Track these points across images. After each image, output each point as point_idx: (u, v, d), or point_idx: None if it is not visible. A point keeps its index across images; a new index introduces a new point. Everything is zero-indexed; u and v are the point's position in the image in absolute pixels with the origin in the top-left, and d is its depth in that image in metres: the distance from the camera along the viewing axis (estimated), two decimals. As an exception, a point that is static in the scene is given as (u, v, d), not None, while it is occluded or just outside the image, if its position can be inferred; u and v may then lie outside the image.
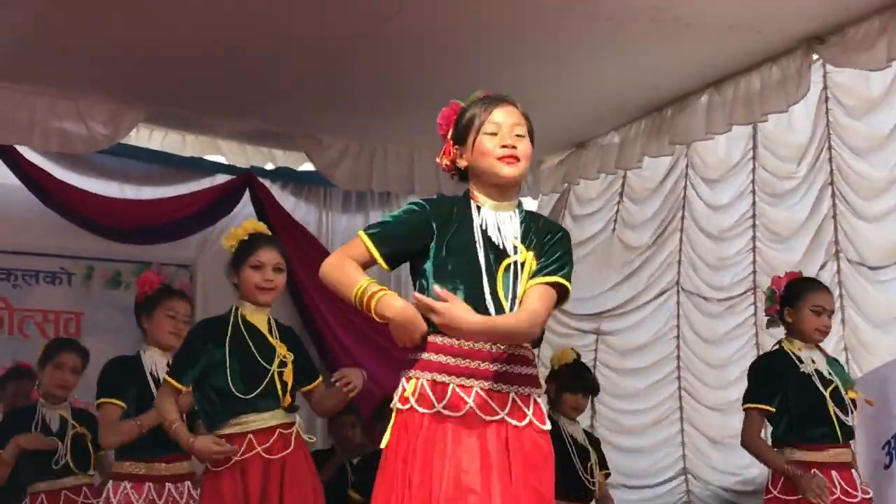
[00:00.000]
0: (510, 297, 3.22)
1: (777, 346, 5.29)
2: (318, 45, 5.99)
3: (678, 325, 7.76)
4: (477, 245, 3.24)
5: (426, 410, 3.15)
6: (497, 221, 3.29)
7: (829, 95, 6.65)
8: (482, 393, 3.15)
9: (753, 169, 7.23)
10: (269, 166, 8.14)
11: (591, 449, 6.11)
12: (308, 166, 7.88)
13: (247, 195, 7.99)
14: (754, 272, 7.24)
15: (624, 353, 8.01)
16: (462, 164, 3.34)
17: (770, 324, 5.42)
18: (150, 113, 6.89)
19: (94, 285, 7.77)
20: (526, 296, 3.24)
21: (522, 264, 3.24)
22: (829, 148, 6.71)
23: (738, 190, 7.32)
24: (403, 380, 3.24)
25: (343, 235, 8.35)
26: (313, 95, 6.64)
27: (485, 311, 3.16)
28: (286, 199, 8.24)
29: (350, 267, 3.23)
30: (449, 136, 3.37)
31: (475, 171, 3.32)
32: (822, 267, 6.73)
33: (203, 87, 6.48)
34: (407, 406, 3.19)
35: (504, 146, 3.24)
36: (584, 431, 6.32)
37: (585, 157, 7.76)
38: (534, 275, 3.25)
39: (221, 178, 7.98)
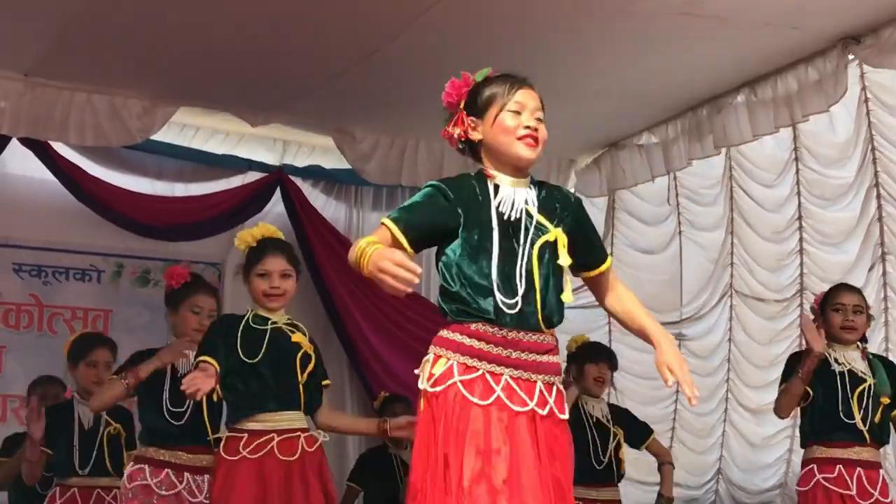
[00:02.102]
0: (544, 274, 3.25)
1: None
2: (352, 40, 6.15)
3: (731, 328, 7.89)
4: (498, 224, 3.27)
5: (456, 392, 3.19)
6: (516, 198, 3.31)
7: (868, 96, 6.73)
8: (511, 381, 3.21)
9: (797, 171, 7.32)
10: (301, 163, 8.25)
11: (613, 427, 6.20)
12: (339, 164, 7.99)
13: (278, 193, 8.08)
14: (802, 274, 7.33)
15: (700, 357, 8.12)
16: (476, 136, 3.36)
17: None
18: (183, 108, 7.06)
19: (124, 283, 7.89)
20: (618, 289, 3.47)
21: (554, 242, 3.27)
22: (873, 149, 6.80)
23: (785, 191, 7.43)
24: (431, 357, 3.29)
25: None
26: (346, 90, 6.80)
27: (515, 290, 3.21)
28: (317, 197, 8.33)
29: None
30: (462, 108, 3.39)
31: (491, 147, 3.35)
32: (870, 269, 6.86)
33: (235, 82, 6.66)
34: (438, 388, 3.22)
35: (527, 126, 3.29)
36: (610, 405, 6.44)
37: (628, 160, 7.85)
38: (587, 257, 3.39)
39: (253, 176, 8.08)
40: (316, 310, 8.02)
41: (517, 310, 3.22)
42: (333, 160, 8.19)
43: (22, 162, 7.41)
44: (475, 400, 3.17)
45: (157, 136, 7.43)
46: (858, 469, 5.10)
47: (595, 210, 8.39)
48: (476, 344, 3.22)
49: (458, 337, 3.25)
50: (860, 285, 6.11)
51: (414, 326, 8.04)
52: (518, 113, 3.31)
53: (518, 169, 3.36)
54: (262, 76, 6.58)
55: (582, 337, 6.57)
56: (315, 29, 5.99)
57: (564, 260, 3.27)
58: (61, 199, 7.48)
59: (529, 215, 3.30)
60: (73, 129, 6.64)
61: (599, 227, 8.34)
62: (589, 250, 3.43)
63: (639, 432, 6.42)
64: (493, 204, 3.29)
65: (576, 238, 3.36)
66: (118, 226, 7.59)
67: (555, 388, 3.30)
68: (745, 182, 7.65)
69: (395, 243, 3.21)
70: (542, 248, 3.28)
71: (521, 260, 3.25)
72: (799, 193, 7.31)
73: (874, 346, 6.01)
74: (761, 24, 5.97)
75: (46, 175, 7.41)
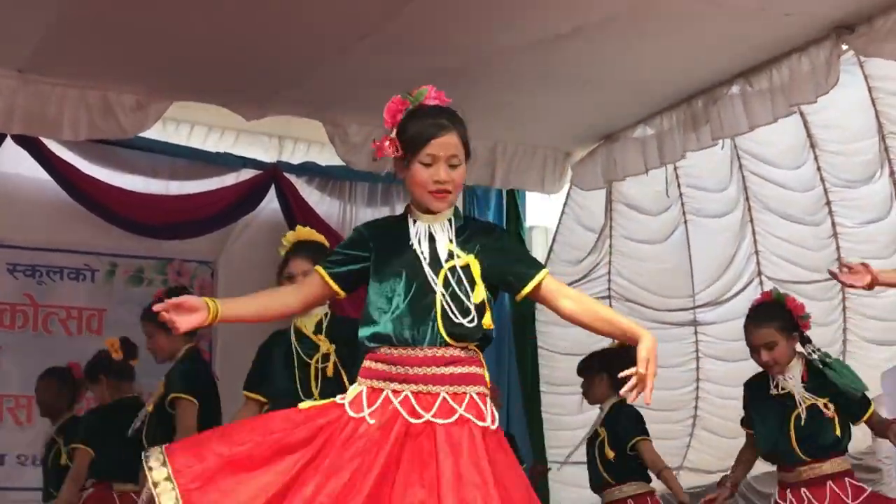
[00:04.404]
0: (451, 295, 3.37)
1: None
2: (344, 27, 6.27)
3: None
4: (413, 255, 3.41)
5: (355, 415, 3.31)
6: (431, 231, 3.45)
7: (871, 85, 6.94)
8: (411, 396, 3.31)
9: (816, 156, 7.52)
10: (295, 160, 8.42)
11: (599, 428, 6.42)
12: (333, 160, 8.12)
13: (272, 190, 8.23)
14: (839, 258, 7.51)
15: (724, 342, 8.27)
16: (399, 172, 3.54)
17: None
18: (176, 102, 7.20)
19: (117, 282, 8.04)
20: (570, 293, 3.52)
21: (464, 268, 3.40)
22: (883, 137, 7.02)
23: (806, 174, 7.62)
24: (354, 385, 3.44)
25: (366, 228, 8.60)
26: (338, 80, 6.92)
27: (426, 317, 3.34)
28: (311, 194, 8.47)
29: (266, 293, 3.60)
30: (395, 133, 3.49)
31: (411, 193, 3.51)
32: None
33: (228, 75, 6.78)
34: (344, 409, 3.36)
35: (437, 181, 3.40)
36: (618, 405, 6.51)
37: (624, 152, 7.98)
38: (516, 275, 3.47)
39: (247, 173, 8.23)
40: (311, 307, 8.16)
41: (417, 329, 3.34)
42: (328, 157, 8.33)
43: (16, 161, 7.56)
44: (373, 420, 3.30)
45: (152, 134, 7.59)
46: (804, 490, 5.19)
47: (592, 202, 8.56)
48: (380, 367, 3.36)
49: (367, 363, 3.41)
50: None
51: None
52: (430, 165, 3.41)
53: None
54: (254, 68, 6.72)
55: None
56: (305, 22, 6.14)
57: (478, 293, 3.38)
58: (55, 198, 7.64)
59: (439, 244, 3.44)
60: (67, 124, 6.78)
61: (598, 219, 8.54)
62: (515, 269, 3.51)
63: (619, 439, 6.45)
64: (409, 236, 3.46)
65: (495, 261, 3.47)
66: (112, 224, 7.72)
67: (468, 396, 3.36)
68: (758, 167, 7.84)
69: (324, 283, 3.50)
70: (450, 271, 3.40)
71: (426, 284, 3.37)
72: (822, 179, 7.52)
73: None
74: (758, 8, 6.10)
75: (40, 174, 7.55)
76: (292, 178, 8.33)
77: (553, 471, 8.17)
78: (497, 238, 3.56)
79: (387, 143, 3.47)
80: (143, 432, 5.61)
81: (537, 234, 9.43)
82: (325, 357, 4.98)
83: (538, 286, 3.48)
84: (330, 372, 4.96)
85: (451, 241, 3.44)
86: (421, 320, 3.34)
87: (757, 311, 5.56)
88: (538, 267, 3.52)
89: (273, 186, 8.20)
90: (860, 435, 7.67)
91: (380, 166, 7.73)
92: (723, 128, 7.11)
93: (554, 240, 8.86)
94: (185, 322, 3.30)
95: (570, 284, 8.45)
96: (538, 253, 9.06)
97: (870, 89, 6.98)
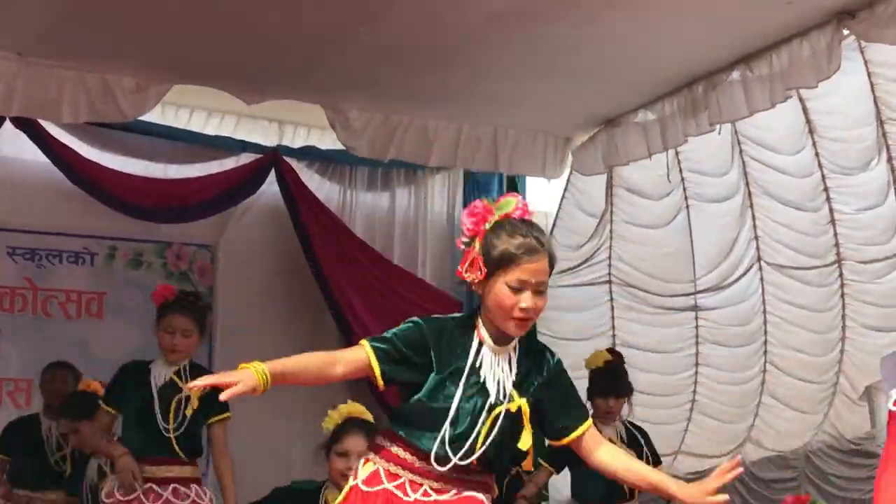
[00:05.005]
0: (497, 439, 3.36)
1: None
2: (345, 15, 6.29)
3: (764, 297, 8.11)
4: (465, 382, 3.35)
5: (369, 489, 3.37)
6: (493, 365, 3.37)
7: (870, 71, 6.97)
8: (430, 490, 3.36)
9: (814, 142, 7.56)
10: (296, 145, 8.44)
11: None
12: (333, 144, 8.15)
13: (272, 174, 8.23)
14: (837, 244, 7.56)
15: (724, 327, 8.33)
16: (478, 289, 3.41)
17: None
18: (177, 85, 7.22)
19: (117, 265, 8.05)
20: (599, 444, 3.51)
21: (516, 412, 3.36)
22: (882, 124, 7.04)
23: (804, 160, 7.68)
24: (361, 460, 3.47)
25: (366, 214, 8.67)
26: (339, 66, 6.95)
27: (469, 451, 3.33)
28: (311, 178, 8.47)
29: (316, 356, 3.40)
30: (478, 248, 3.38)
31: (486, 305, 3.39)
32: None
33: (228, 58, 6.83)
34: (358, 484, 3.42)
35: (523, 309, 3.30)
36: (628, 425, 6.58)
37: (625, 136, 8.00)
38: (562, 421, 3.47)
39: (247, 157, 8.24)
40: (311, 291, 8.20)
41: (455, 454, 3.34)
42: (328, 141, 8.37)
43: (15, 144, 7.56)
44: (395, 491, 3.37)
45: (152, 118, 7.62)
46: None
47: (593, 187, 8.59)
48: (408, 459, 3.38)
49: (396, 450, 3.40)
50: None
51: (408, 305, 8.23)
52: (518, 290, 3.30)
53: (505, 334, 3.41)
54: (255, 52, 6.75)
55: (598, 356, 6.62)
56: (305, 6, 6.17)
57: (525, 440, 3.37)
58: (55, 182, 7.64)
59: (500, 383, 3.38)
60: (67, 107, 6.81)
61: (599, 204, 8.57)
62: (563, 415, 3.49)
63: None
64: (470, 360, 3.38)
65: (546, 404, 3.46)
66: (111, 208, 7.71)
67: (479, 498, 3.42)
68: (758, 152, 7.88)
69: (369, 369, 3.36)
70: (500, 415, 3.36)
71: (475, 421, 3.35)
72: (821, 165, 7.55)
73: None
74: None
75: (40, 158, 7.56)
76: (292, 162, 8.33)
77: None
78: (552, 377, 3.47)
79: (470, 261, 3.36)
80: None
81: (537, 218, 9.34)
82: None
83: (584, 433, 3.49)
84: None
85: (510, 379, 3.38)
86: (463, 452, 3.33)
87: None
88: (583, 417, 3.50)
89: (273, 170, 8.20)
90: (859, 420, 7.77)
91: (380, 152, 7.78)
92: (722, 113, 7.13)
93: (554, 225, 8.89)
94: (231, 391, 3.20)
95: (570, 270, 8.65)
96: (538, 238, 9.10)
97: (869, 75, 7.02)
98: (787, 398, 8.08)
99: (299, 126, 8.50)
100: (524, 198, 3.40)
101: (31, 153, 7.59)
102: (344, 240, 8.29)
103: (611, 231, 8.68)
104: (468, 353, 3.37)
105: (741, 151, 7.98)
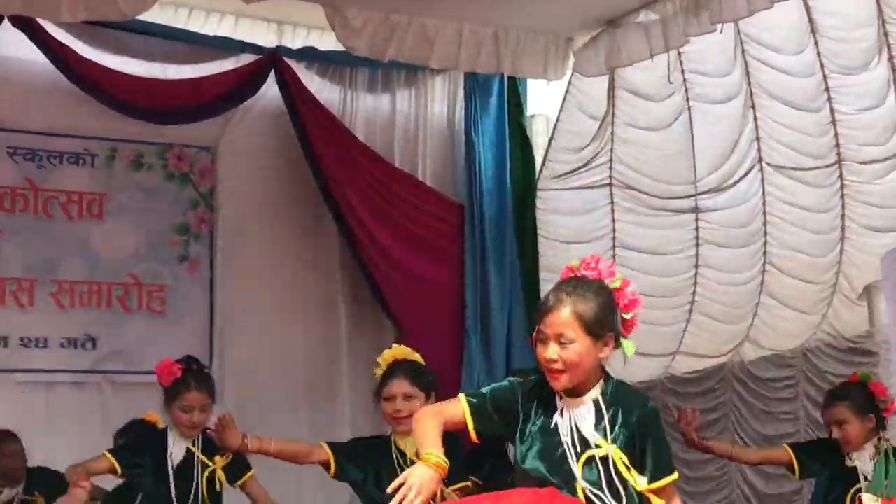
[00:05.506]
0: (599, 488, 3.45)
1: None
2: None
3: (764, 198, 8.17)
4: (555, 437, 3.50)
5: None
6: (573, 416, 3.51)
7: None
8: None
9: (816, 42, 7.54)
10: (296, 46, 8.40)
11: None
12: (334, 46, 8.11)
13: (272, 76, 8.19)
14: (838, 144, 7.58)
15: (724, 228, 8.40)
16: None
17: None
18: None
19: (117, 167, 8.05)
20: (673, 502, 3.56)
21: (605, 458, 3.47)
22: (883, 23, 7.03)
23: (806, 60, 7.68)
24: None
25: (367, 116, 8.64)
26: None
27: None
28: (311, 80, 8.43)
29: (434, 426, 3.53)
30: None
31: None
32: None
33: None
34: None
35: (545, 359, 3.49)
36: None
37: (626, 37, 7.93)
38: (654, 471, 3.50)
39: (247, 59, 8.19)
40: (311, 193, 8.23)
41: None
42: (328, 42, 8.31)
43: (15, 44, 7.53)
44: None
45: (151, 18, 7.57)
46: None
47: (595, 89, 8.58)
48: None
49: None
50: None
51: (409, 207, 8.29)
52: (545, 343, 3.50)
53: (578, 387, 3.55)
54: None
55: None
56: None
57: (639, 481, 3.47)
58: (55, 82, 7.62)
59: (581, 433, 3.50)
60: (65, 6, 6.71)
61: (600, 106, 8.55)
62: (646, 464, 3.53)
63: None
64: (553, 414, 3.54)
65: (634, 452, 3.52)
66: (111, 108, 7.70)
67: None
68: (760, 52, 7.86)
69: (463, 424, 3.56)
70: (587, 461, 3.48)
71: (564, 474, 3.47)
72: (822, 65, 7.55)
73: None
74: None
75: (39, 58, 7.52)
76: (292, 63, 8.29)
77: None
78: (640, 423, 3.52)
79: None
80: None
81: (538, 122, 9.45)
82: None
83: (662, 488, 3.53)
84: None
85: (595, 426, 3.49)
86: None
87: (838, 387, 5.86)
88: (668, 471, 3.55)
89: (273, 72, 8.18)
90: (858, 320, 7.86)
91: (380, 51, 7.75)
92: (723, 12, 7.09)
93: (555, 128, 8.90)
94: None
95: (571, 173, 8.68)
96: (539, 142, 9.11)
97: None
98: (787, 298, 8.17)
99: (299, 27, 8.45)
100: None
101: (30, 52, 7.55)
102: (345, 142, 8.29)
103: (612, 133, 8.69)
104: (553, 410, 3.54)
105: (743, 52, 7.97)
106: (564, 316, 3.46)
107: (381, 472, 4.98)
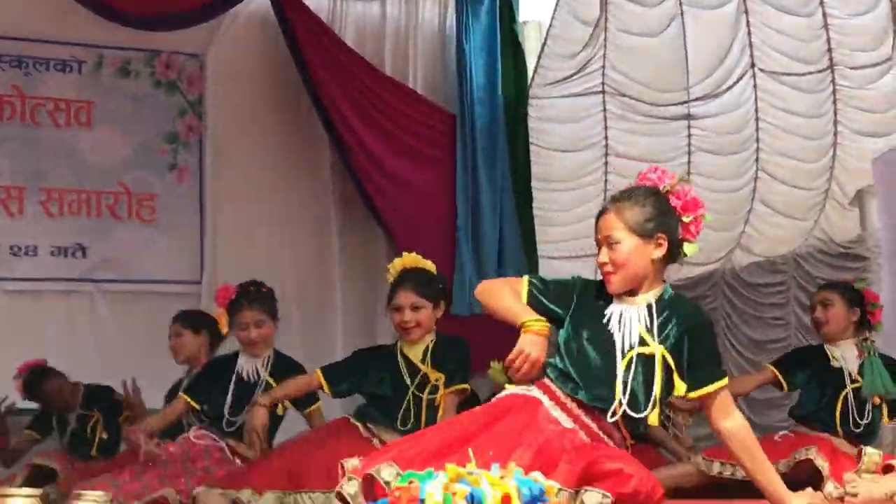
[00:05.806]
0: (640, 389, 3.50)
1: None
2: None
3: (756, 105, 8.13)
4: (602, 334, 3.56)
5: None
6: (624, 314, 3.56)
7: None
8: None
9: None
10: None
11: None
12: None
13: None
14: (830, 49, 7.54)
15: (717, 135, 8.38)
16: None
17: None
18: None
19: (104, 74, 7.99)
20: (729, 413, 3.57)
21: (651, 357, 3.52)
22: None
23: None
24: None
25: (356, 23, 8.52)
26: None
27: (608, 399, 3.48)
28: (299, -16, 8.33)
29: (512, 295, 3.61)
30: None
31: None
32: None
33: None
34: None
35: (601, 263, 3.59)
36: None
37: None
38: (697, 372, 3.54)
39: (234, -38, 8.07)
40: (301, 101, 8.17)
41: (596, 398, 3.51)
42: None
43: (-2, -53, 7.43)
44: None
45: (136, -81, 7.44)
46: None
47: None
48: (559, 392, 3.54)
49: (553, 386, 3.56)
50: None
51: (399, 115, 8.23)
52: (600, 247, 3.61)
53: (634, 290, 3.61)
54: None
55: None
56: None
57: (680, 387, 3.54)
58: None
59: (627, 332, 3.55)
60: None
61: (593, 12, 8.48)
62: (699, 368, 3.57)
63: None
64: (603, 312, 3.58)
65: (685, 355, 3.55)
66: (98, 14, 7.58)
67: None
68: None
69: (519, 298, 3.62)
70: (633, 360, 3.51)
71: (610, 367, 3.51)
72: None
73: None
74: None
75: (23, -39, 7.45)
76: (281, -33, 8.18)
77: None
78: (689, 329, 3.56)
79: None
80: None
81: (530, 28, 9.40)
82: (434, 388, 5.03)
83: (710, 395, 3.56)
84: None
85: (645, 327, 3.54)
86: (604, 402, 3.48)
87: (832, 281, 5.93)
88: (719, 376, 3.58)
89: (261, -24, 8.07)
90: (850, 225, 7.88)
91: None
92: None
93: (548, 34, 8.82)
94: None
95: (563, 80, 8.63)
96: (531, 49, 9.03)
97: None
98: (779, 205, 8.19)
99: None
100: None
101: (14, -44, 7.47)
102: (334, 49, 8.19)
103: (605, 40, 8.62)
104: (606, 306, 3.59)
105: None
106: (610, 218, 3.57)
107: (383, 376, 5.03)
